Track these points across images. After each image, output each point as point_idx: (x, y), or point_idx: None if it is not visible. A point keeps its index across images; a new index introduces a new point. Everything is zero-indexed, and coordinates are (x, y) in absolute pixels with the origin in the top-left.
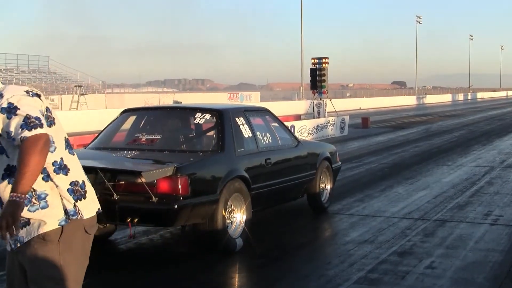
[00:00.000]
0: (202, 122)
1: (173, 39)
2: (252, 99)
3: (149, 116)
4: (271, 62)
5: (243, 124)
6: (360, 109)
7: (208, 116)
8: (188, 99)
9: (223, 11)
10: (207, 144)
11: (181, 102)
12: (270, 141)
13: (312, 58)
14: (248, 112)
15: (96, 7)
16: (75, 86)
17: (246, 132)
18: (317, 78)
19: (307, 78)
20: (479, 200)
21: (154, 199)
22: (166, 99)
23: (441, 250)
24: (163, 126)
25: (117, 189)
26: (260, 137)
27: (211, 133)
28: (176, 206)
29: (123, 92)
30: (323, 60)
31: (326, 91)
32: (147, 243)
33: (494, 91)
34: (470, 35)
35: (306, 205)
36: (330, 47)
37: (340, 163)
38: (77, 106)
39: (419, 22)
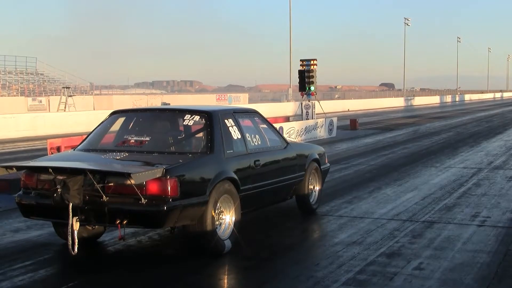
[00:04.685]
0: (191, 124)
1: (161, 40)
2: (241, 101)
3: (138, 117)
4: (259, 64)
5: (232, 126)
6: (348, 110)
7: (197, 117)
8: (177, 100)
9: (211, 13)
10: (196, 146)
11: (169, 104)
12: (259, 142)
13: (301, 60)
14: (237, 113)
15: (83, 8)
16: (63, 87)
17: (235, 133)
18: (305, 80)
19: (296, 80)
20: (467, 202)
21: (143, 200)
22: (154, 100)
23: (429, 251)
24: (152, 128)
25: (107, 190)
26: (249, 138)
27: (200, 134)
28: (165, 208)
29: (111, 93)
30: (312, 62)
31: (315, 93)
32: (135, 244)
33: (482, 93)
34: (458, 37)
35: (295, 207)
36: (318, 48)
37: (328, 164)
38: (65, 107)
39: (407, 24)
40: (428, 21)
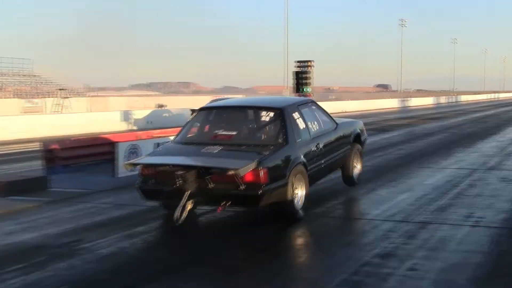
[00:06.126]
0: (267, 119)
1: (157, 42)
2: None
3: (222, 113)
4: (255, 65)
5: (298, 118)
6: (344, 112)
7: (271, 113)
8: (173, 101)
9: (207, 14)
10: (274, 138)
11: (166, 106)
12: (317, 128)
13: (296, 61)
14: (299, 105)
15: (78, 10)
16: (58, 89)
17: (301, 124)
18: (301, 81)
19: (292, 81)
20: (461, 202)
21: (242, 187)
22: (149, 102)
23: (423, 252)
24: (236, 123)
25: (213, 180)
26: (311, 126)
27: (276, 128)
28: (260, 192)
29: (107, 95)
30: (308, 63)
31: (311, 94)
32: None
33: (478, 94)
34: (454, 38)
35: None
36: (314, 49)
37: (366, 135)
38: (61, 109)
39: (403, 26)
40: (424, 22)
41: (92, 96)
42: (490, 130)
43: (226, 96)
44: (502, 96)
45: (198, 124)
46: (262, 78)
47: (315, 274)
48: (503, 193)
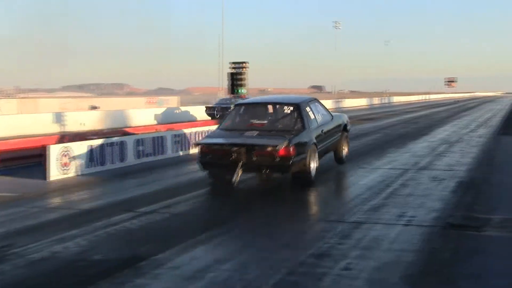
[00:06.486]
0: (288, 112)
1: (89, 42)
2: (172, 103)
3: (253, 107)
4: (190, 67)
5: (310, 111)
6: None
7: (291, 107)
8: (106, 103)
9: (140, 14)
10: (295, 125)
11: (99, 107)
12: (321, 119)
13: (231, 63)
14: (309, 102)
15: (7, 7)
16: None
17: (312, 115)
18: (236, 82)
19: (227, 82)
20: (394, 202)
21: (277, 159)
22: (82, 104)
23: (357, 251)
24: (265, 115)
25: (256, 154)
26: (317, 117)
27: (295, 118)
28: (290, 162)
29: (38, 96)
30: (243, 64)
31: (246, 95)
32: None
33: (410, 95)
34: (386, 40)
35: (224, 209)
36: (248, 51)
37: (350, 125)
38: None
39: (337, 28)
40: (358, 24)
41: (22, 97)
42: (422, 131)
43: (161, 97)
44: (433, 97)
45: (237, 116)
46: (197, 79)
47: (250, 275)
48: (434, 192)
